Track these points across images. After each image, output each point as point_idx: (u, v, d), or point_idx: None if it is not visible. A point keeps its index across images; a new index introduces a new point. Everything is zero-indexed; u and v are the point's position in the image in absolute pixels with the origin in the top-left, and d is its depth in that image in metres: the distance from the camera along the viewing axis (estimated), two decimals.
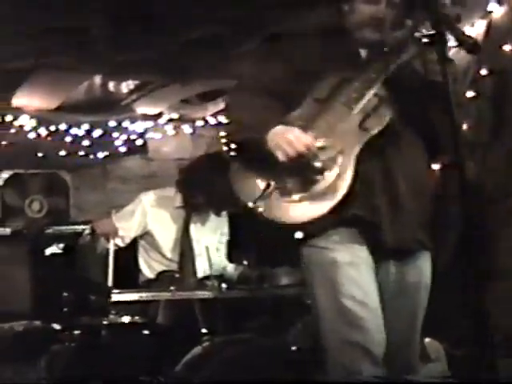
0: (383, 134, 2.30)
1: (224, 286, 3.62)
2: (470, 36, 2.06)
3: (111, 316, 3.40)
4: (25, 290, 5.12)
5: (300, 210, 2.27)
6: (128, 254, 4.08)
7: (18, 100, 5.20)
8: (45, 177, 6.03)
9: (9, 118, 5.32)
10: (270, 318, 3.78)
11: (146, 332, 3.48)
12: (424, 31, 2.03)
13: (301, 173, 2.28)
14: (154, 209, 4.10)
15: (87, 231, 4.01)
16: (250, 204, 2.32)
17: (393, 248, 2.34)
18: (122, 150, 6.02)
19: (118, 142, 5.92)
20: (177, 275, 3.87)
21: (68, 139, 5.65)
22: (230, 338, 3.44)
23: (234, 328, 3.60)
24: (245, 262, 4.00)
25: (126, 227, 4.04)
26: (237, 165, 2.43)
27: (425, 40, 2.03)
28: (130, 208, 4.12)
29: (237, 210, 3.97)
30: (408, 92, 2.34)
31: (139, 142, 6.05)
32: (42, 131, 5.51)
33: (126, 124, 5.75)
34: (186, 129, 6.12)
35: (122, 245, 4.02)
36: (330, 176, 2.26)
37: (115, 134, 5.82)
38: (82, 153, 5.89)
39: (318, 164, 2.25)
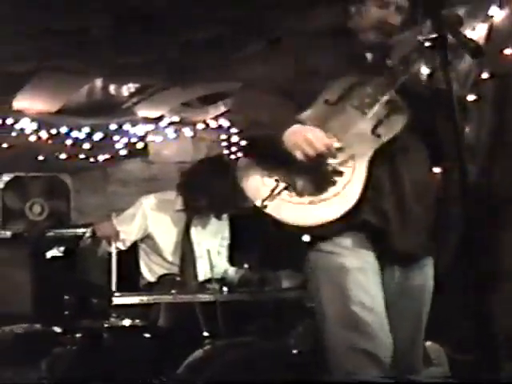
0: (395, 141, 2.29)
1: (225, 289, 3.63)
2: (472, 40, 2.07)
3: (112, 319, 3.40)
4: (26, 293, 5.11)
5: (311, 212, 2.23)
6: (129, 258, 4.06)
7: (19, 103, 5.20)
8: (46, 180, 6.02)
9: (10, 120, 5.32)
10: (271, 321, 3.77)
11: (147, 335, 3.48)
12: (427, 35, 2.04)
13: (315, 174, 2.24)
14: (154, 212, 4.10)
15: (88, 234, 4.00)
16: (258, 203, 2.26)
17: (400, 253, 2.33)
18: (123, 153, 6.01)
19: (118, 145, 5.92)
20: (178, 278, 3.85)
21: (69, 142, 5.65)
22: (232, 341, 3.42)
23: (235, 331, 3.59)
24: (246, 265, 4.00)
25: (127, 230, 4.03)
26: (244, 162, 2.37)
27: (427, 44, 2.03)
28: (130, 211, 4.12)
29: (238, 212, 3.98)
30: (415, 99, 2.34)
31: (140, 145, 6.05)
32: (43, 134, 5.51)
33: (126, 127, 5.75)
34: (187, 132, 6.12)
35: (122, 248, 4.01)
36: (342, 180, 2.24)
37: (116, 137, 5.82)
38: (82, 156, 5.89)
39: (335, 165, 2.22)
